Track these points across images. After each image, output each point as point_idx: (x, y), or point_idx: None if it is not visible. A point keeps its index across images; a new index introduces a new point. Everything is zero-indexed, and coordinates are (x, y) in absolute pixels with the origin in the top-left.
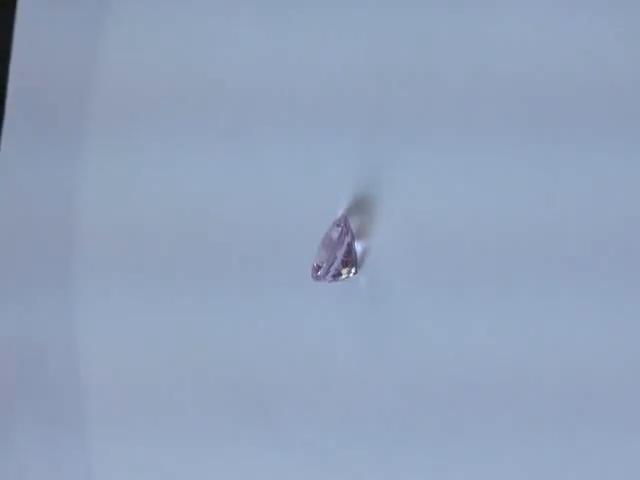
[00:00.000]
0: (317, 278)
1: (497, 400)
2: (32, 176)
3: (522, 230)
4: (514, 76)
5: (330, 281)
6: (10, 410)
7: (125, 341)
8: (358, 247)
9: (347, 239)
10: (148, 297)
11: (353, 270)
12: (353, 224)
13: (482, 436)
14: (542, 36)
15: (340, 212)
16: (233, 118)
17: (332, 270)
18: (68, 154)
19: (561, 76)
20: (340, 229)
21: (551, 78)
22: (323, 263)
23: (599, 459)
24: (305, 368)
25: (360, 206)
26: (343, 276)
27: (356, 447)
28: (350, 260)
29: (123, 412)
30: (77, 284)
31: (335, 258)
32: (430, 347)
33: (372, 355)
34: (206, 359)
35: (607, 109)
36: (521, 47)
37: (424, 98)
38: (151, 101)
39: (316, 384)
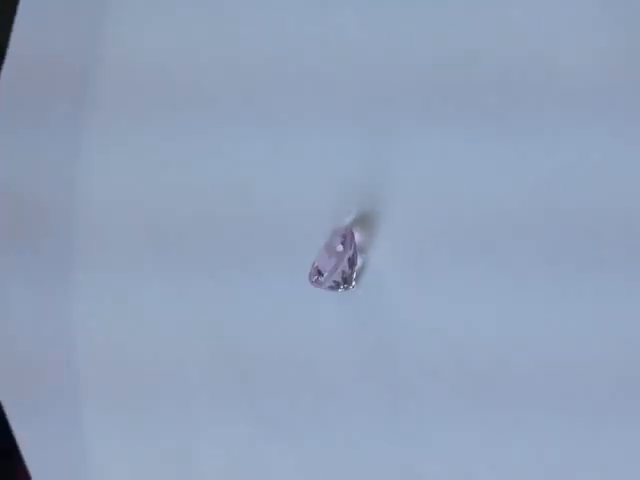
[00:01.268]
0: (314, 283)
1: (499, 411)
2: (29, 166)
3: (528, 244)
4: (515, 65)
5: (326, 289)
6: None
7: (123, 334)
8: (359, 260)
9: (349, 254)
10: (146, 295)
11: (352, 285)
12: (357, 236)
13: (484, 443)
14: (543, 24)
15: (347, 219)
16: (240, 114)
17: (329, 281)
18: (67, 144)
19: (561, 61)
20: (344, 242)
21: (551, 63)
22: (323, 271)
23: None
24: (300, 365)
25: (365, 219)
26: (340, 289)
27: (348, 442)
28: (350, 275)
29: (120, 397)
30: (77, 273)
31: (335, 271)
32: (426, 355)
33: (366, 356)
34: (202, 351)
35: (609, 97)
36: (523, 34)
37: (431, 98)
38: (152, 91)
39: (311, 384)
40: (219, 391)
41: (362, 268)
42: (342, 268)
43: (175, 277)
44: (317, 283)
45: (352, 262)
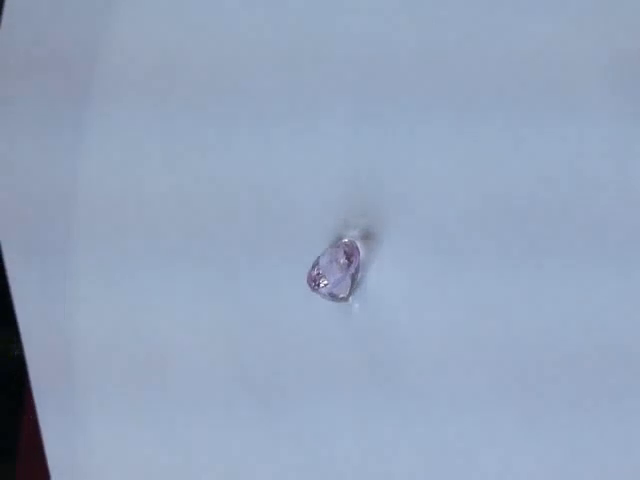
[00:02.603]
0: (313, 287)
1: (497, 414)
2: (29, 163)
3: (537, 255)
4: (516, 61)
5: (323, 297)
6: None
7: (123, 330)
8: (360, 274)
9: (352, 270)
10: (144, 291)
11: (350, 298)
12: (361, 250)
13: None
14: (544, 19)
15: (352, 231)
16: (240, 113)
17: (326, 292)
18: (67, 139)
19: (561, 56)
20: (348, 258)
21: (551, 55)
22: (325, 280)
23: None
24: (297, 364)
25: (368, 232)
26: (337, 301)
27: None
28: (349, 290)
29: (121, 395)
30: (76, 264)
31: (338, 285)
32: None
33: (364, 360)
34: (202, 346)
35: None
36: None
37: (436, 98)
38: (154, 87)
39: (309, 383)
40: (219, 389)
41: (361, 282)
42: (344, 283)
43: (174, 274)
44: (316, 289)
45: (354, 278)
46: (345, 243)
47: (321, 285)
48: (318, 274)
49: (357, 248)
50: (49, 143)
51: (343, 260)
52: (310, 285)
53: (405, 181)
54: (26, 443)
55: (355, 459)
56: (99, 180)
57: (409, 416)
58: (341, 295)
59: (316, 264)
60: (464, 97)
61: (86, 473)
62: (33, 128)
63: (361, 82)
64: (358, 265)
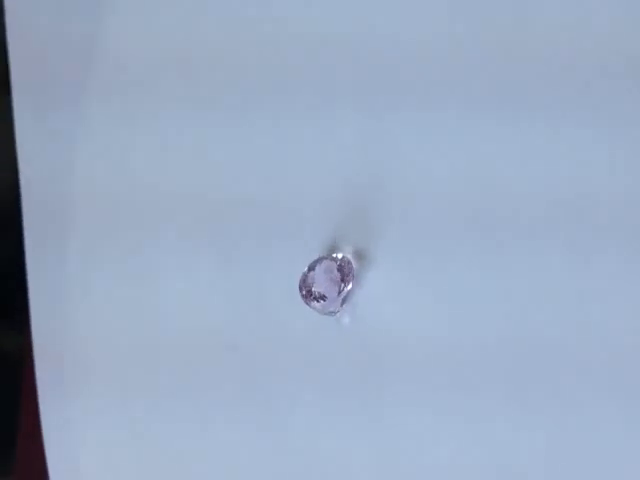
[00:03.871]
0: (304, 298)
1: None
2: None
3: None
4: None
5: (314, 309)
6: None
7: (125, 322)
8: (352, 288)
9: (345, 285)
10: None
11: (340, 312)
12: (354, 262)
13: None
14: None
15: (347, 247)
16: (240, 110)
17: (318, 305)
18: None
19: (565, 48)
20: (342, 273)
21: (556, 43)
22: (320, 294)
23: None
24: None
25: (362, 248)
26: (329, 312)
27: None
28: (341, 303)
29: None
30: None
31: (330, 300)
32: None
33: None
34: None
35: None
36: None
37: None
38: (160, 81)
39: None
40: (217, 394)
41: (352, 296)
42: (336, 301)
43: (176, 272)
44: (307, 301)
45: (346, 296)
46: (340, 258)
47: (313, 297)
48: (310, 286)
49: (351, 263)
50: (70, 136)
51: (337, 275)
52: (301, 295)
53: (402, 195)
54: (24, 437)
55: (344, 468)
56: (108, 174)
57: (396, 427)
58: (332, 309)
59: (312, 268)
60: (469, 107)
61: (87, 469)
62: (53, 124)
63: (366, 92)
64: (351, 280)
